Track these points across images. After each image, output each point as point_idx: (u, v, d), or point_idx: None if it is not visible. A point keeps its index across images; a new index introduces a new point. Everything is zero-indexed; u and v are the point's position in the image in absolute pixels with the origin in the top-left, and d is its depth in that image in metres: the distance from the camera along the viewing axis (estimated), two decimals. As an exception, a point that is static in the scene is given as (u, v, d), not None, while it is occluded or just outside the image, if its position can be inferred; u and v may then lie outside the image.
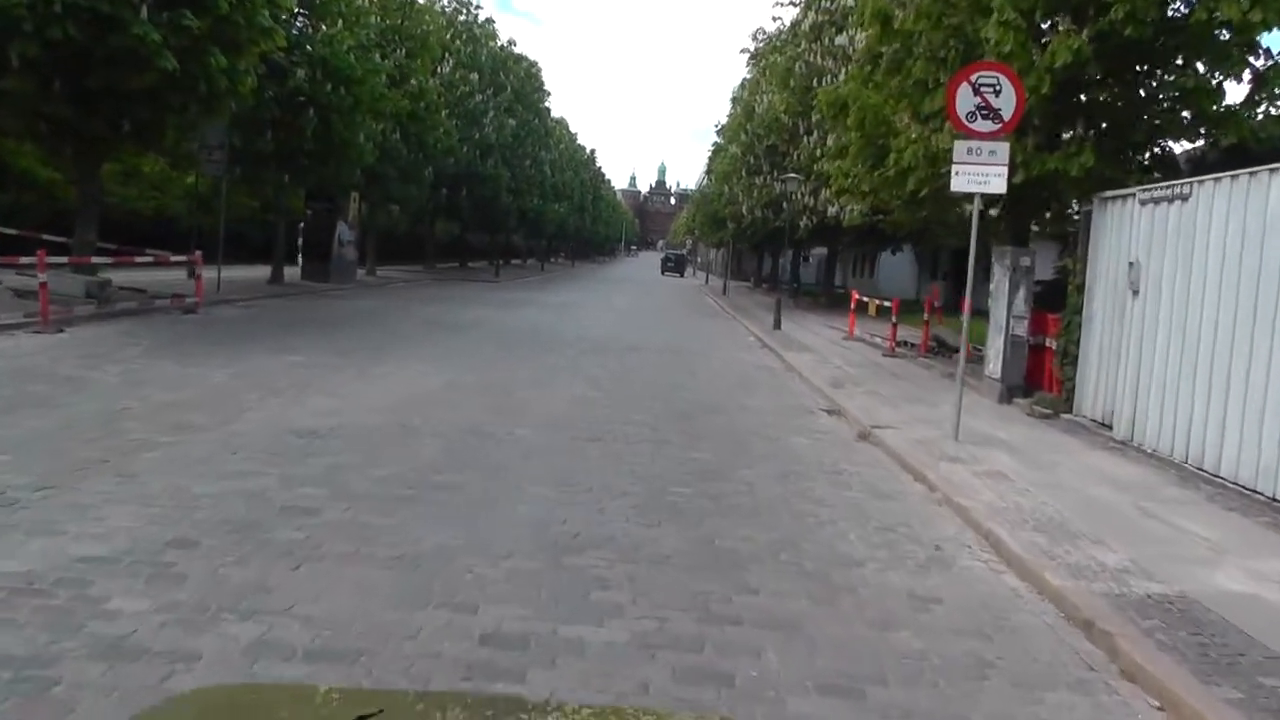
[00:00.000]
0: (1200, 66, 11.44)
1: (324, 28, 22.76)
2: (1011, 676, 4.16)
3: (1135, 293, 9.80)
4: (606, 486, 6.85)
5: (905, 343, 18.69)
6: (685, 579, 5.00)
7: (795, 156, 31.75)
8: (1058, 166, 11.34)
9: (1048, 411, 11.26)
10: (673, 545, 5.57)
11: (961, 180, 9.19)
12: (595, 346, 16.66)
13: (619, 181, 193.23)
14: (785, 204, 30.00)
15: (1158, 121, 12.26)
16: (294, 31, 21.85)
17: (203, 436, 7.37)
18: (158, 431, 7.36)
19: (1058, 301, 12.26)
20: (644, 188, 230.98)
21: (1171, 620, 4.61)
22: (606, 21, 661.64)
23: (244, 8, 15.10)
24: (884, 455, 8.84)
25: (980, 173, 9.09)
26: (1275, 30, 10.64)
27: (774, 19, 54.17)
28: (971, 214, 9.71)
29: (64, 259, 14.93)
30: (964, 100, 9.09)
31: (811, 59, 31.05)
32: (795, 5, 34.02)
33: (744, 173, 39.04)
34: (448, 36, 38.34)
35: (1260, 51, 11.14)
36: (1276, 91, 11.26)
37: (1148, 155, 12.75)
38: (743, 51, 43.83)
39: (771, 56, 37.52)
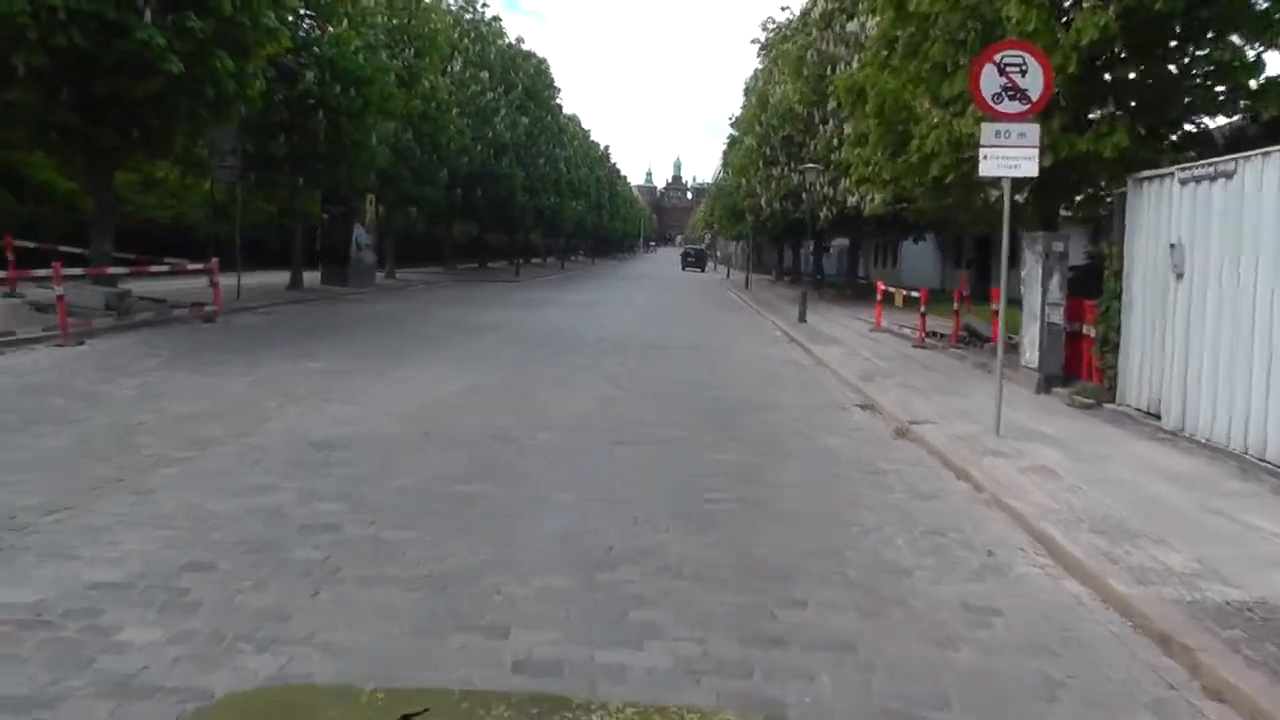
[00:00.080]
0: (1236, 38, 11.00)
1: (331, 29, 22.59)
2: (1084, 696, 3.86)
3: (1179, 276, 9.41)
4: (637, 493, 6.58)
5: (935, 333, 18.30)
6: (726, 594, 4.72)
7: (812, 146, 31.38)
8: (1089, 148, 10.95)
9: (1089, 401, 10.88)
10: (710, 556, 5.29)
11: (990, 165, 8.84)
12: (616, 345, 16.39)
13: (635, 178, 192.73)
14: (804, 194, 29.60)
15: (1188, 99, 11.84)
16: (301, 33, 21.70)
17: (220, 450, 7.16)
18: (175, 446, 7.16)
19: (1090, 288, 11.87)
20: (660, 184, 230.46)
21: (1255, 631, 4.27)
22: (613, 18, 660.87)
23: (249, 9, 14.93)
24: (924, 452, 8.51)
25: (1010, 156, 8.74)
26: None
27: (783, 8, 53.80)
28: (1000, 199, 9.36)
29: (80, 270, 14.79)
30: (989, 81, 8.73)
31: (823, 47, 30.67)
32: (805, -7, 33.70)
33: (761, 164, 38.62)
34: (455, 35, 38.20)
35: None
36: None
37: (1179, 133, 12.33)
38: (753, 42, 43.49)
39: (783, 46, 37.14)
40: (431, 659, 3.86)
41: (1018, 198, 13.04)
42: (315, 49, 22.08)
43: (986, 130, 8.83)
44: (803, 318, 22.63)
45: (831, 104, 26.98)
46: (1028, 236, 12.55)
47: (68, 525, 5.20)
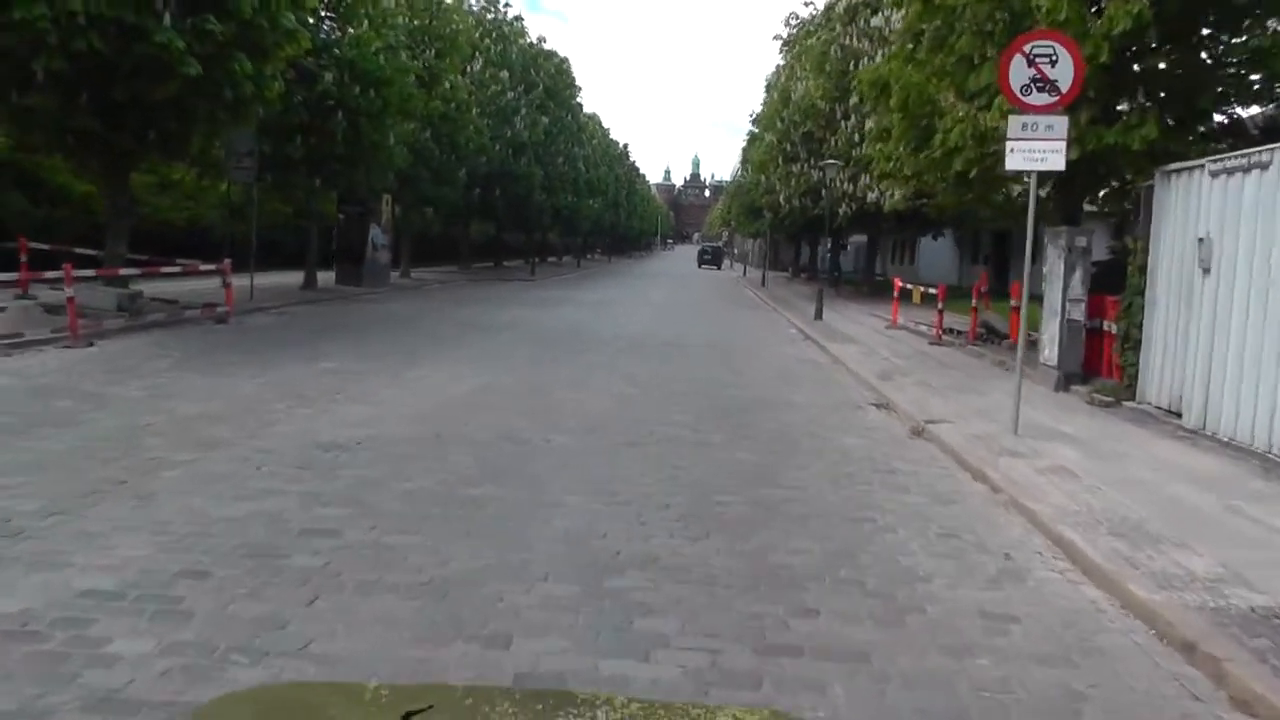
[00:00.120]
0: (1272, 24, 10.74)
1: (351, 30, 22.53)
2: (1107, 708, 3.70)
3: (1206, 271, 9.19)
4: (647, 495, 6.45)
5: (952, 330, 18.08)
6: (736, 601, 4.58)
7: (833, 142, 31.18)
8: (1117, 140, 10.73)
9: (1109, 399, 10.67)
10: (721, 562, 5.15)
11: (1016, 158, 8.65)
12: (633, 344, 16.27)
13: (653, 176, 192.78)
14: (824, 191, 29.38)
15: (1220, 88, 11.58)
16: (321, 35, 21.66)
17: (225, 453, 7.07)
18: (180, 448, 7.07)
19: (1113, 283, 11.64)
20: (678, 181, 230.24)
21: (1284, 640, 4.11)
22: (635, 17, 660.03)
23: (268, 11, 14.86)
24: (939, 452, 8.34)
25: (1036, 149, 8.54)
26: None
27: (806, 3, 53.43)
28: (1025, 193, 9.16)
29: (92, 271, 14.79)
30: (1017, 73, 8.55)
31: (847, 42, 30.47)
32: (828, -12, 33.47)
33: (780, 161, 38.39)
34: (477, 35, 38.12)
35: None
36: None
37: (1207, 124, 12.07)
38: (776, 38, 43.29)
39: (806, 41, 36.93)
40: (431, 669, 3.74)
41: (1041, 192, 12.83)
42: (335, 50, 22.00)
43: (1013, 123, 8.65)
44: (819, 315, 22.44)
45: (853, 99, 26.77)
46: (1050, 231, 12.33)
47: (62, 530, 5.10)
